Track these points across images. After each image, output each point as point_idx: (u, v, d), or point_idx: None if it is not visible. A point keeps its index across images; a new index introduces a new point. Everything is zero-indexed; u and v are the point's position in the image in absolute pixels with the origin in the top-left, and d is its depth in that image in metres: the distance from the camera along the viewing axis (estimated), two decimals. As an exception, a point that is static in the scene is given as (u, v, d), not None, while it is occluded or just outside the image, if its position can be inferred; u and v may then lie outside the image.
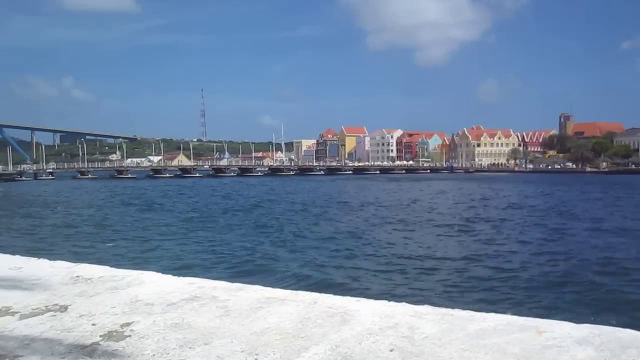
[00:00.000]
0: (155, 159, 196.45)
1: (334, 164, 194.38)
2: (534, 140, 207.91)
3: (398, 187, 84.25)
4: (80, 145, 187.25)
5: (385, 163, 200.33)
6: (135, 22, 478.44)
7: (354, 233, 27.64)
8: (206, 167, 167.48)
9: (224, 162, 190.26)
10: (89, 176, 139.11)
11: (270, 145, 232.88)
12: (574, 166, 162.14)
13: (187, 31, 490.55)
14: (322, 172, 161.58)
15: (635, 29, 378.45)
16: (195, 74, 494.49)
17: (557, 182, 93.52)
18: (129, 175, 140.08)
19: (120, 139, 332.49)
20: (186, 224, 33.03)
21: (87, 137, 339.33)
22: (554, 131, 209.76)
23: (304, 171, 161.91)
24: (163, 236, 27.53)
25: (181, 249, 23.13)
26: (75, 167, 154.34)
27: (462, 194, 62.99)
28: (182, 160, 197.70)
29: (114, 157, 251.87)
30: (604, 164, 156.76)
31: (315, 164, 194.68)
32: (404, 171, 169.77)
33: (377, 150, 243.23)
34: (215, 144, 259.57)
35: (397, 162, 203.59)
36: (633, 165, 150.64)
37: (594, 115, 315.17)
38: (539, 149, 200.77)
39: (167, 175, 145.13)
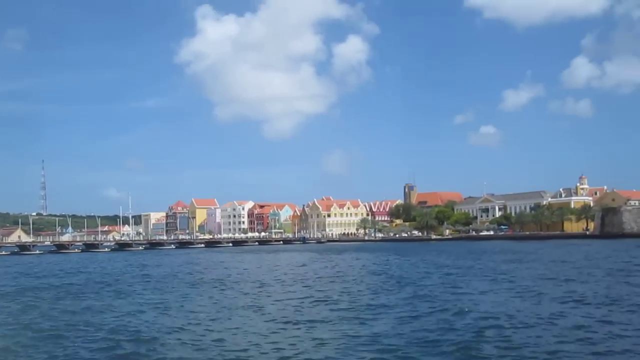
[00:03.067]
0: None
1: (185, 237, 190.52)
2: (382, 210, 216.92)
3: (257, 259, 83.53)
4: None
5: (237, 235, 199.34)
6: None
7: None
8: (47, 242, 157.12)
9: (66, 237, 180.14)
10: None
11: (117, 219, 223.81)
12: (420, 234, 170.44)
13: (27, 100, 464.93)
14: (173, 246, 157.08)
15: (465, 105, 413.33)
16: (35, 145, 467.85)
17: (400, 250, 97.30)
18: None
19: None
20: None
21: None
22: (400, 201, 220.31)
23: (154, 245, 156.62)
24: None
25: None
26: None
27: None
28: (20, 235, 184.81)
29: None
30: (447, 231, 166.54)
31: (165, 237, 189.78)
32: (256, 243, 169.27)
33: (229, 222, 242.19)
34: (57, 218, 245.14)
35: (250, 234, 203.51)
36: (473, 232, 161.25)
37: (435, 185, 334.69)
38: (386, 218, 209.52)
39: (3, 252, 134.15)
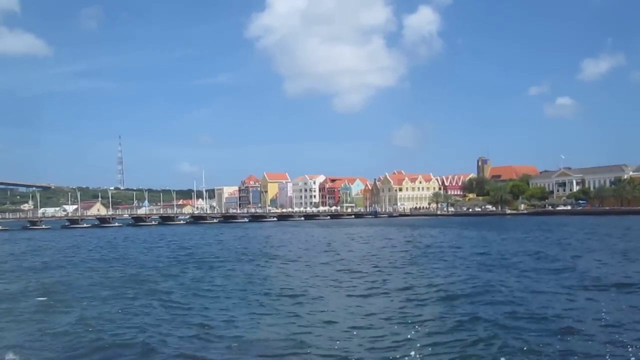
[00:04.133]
0: (71, 208, 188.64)
1: (258, 210, 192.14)
2: (454, 184, 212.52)
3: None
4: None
5: (309, 209, 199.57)
6: (48, 66, 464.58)
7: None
8: (126, 216, 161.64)
9: (143, 211, 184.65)
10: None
11: (192, 193, 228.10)
12: (494, 208, 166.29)
13: (104, 77, 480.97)
14: (247, 220, 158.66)
15: (541, 75, 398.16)
16: (112, 121, 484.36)
17: (477, 225, 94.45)
18: (43, 226, 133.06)
19: (34, 188, 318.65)
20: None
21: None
22: (473, 175, 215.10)
23: (227, 219, 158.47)
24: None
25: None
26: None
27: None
28: (99, 209, 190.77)
29: (26, 206, 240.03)
30: (523, 205, 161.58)
31: (238, 211, 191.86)
32: (328, 217, 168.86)
33: (300, 196, 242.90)
34: (134, 192, 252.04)
35: (321, 208, 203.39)
36: (550, 207, 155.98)
37: (509, 159, 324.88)
38: (459, 192, 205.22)
39: (85, 225, 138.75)
